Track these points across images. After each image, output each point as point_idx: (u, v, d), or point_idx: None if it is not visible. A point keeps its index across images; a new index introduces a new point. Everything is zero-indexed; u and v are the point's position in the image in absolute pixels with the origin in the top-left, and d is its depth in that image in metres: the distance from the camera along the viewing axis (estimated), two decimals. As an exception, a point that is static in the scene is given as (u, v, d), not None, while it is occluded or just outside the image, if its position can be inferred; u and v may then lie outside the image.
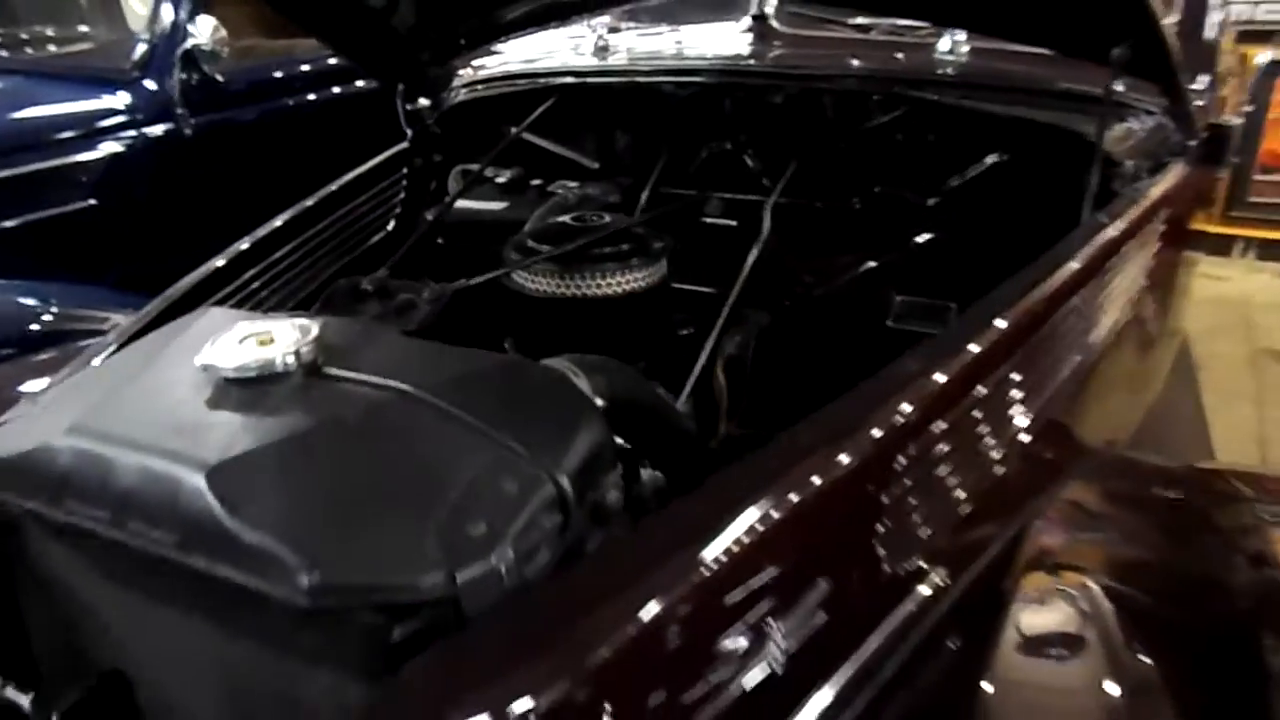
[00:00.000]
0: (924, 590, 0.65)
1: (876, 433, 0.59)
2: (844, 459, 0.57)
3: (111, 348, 0.82)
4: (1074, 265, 0.80)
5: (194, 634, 0.49)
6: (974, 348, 0.68)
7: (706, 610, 0.48)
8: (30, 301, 1.95)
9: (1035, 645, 0.68)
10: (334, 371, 0.55)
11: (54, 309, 1.94)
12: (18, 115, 2.20)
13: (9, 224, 2.09)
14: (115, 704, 0.50)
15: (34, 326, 1.89)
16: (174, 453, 0.48)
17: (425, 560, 0.45)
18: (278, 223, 1.18)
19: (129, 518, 0.47)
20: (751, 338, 1.10)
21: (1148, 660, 0.65)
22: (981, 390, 0.68)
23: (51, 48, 2.76)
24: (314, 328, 0.57)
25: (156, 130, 2.32)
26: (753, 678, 0.50)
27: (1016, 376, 0.73)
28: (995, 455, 0.72)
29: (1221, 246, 3.92)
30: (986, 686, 0.62)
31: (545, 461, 0.51)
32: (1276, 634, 0.69)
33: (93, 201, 2.24)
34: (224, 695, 0.49)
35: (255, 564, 0.44)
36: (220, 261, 1.07)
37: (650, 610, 0.45)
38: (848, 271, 1.15)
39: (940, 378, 0.64)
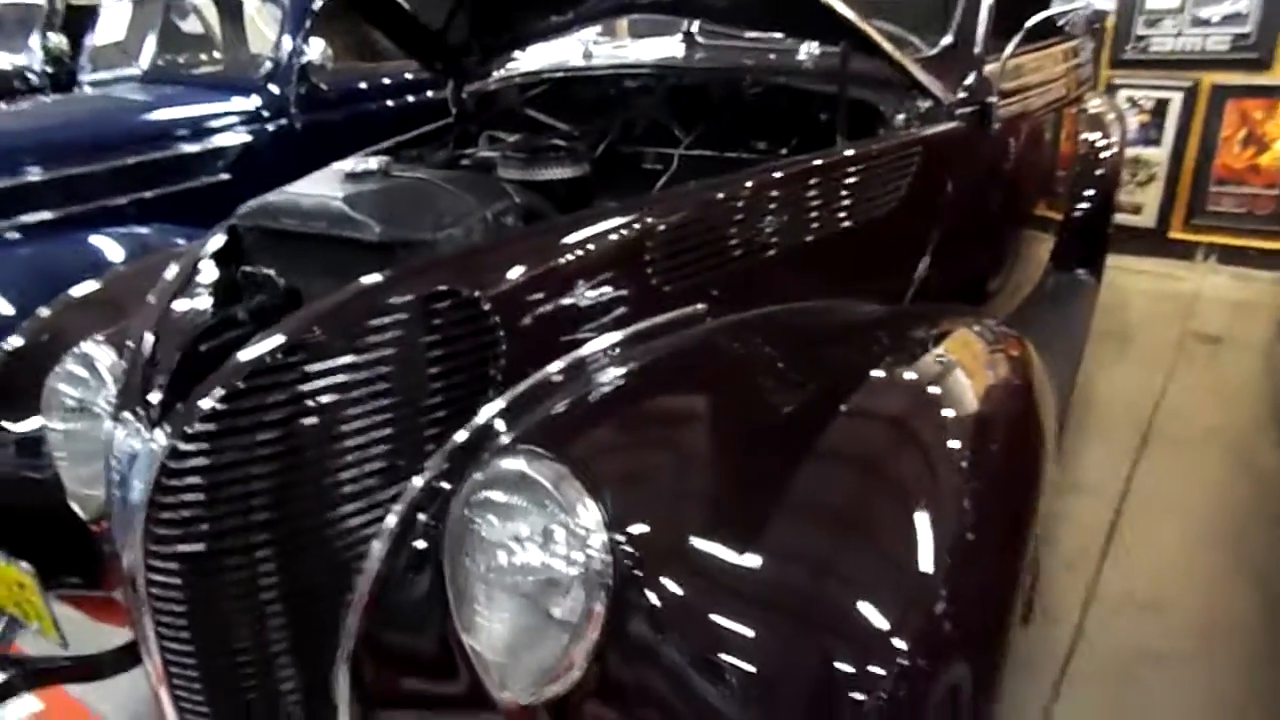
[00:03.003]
0: (685, 309, 1.25)
1: (659, 214, 1.21)
2: (639, 223, 1.19)
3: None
4: (801, 166, 1.41)
5: (334, 264, 1.12)
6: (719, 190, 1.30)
7: (542, 267, 1.10)
8: (180, 241, 2.69)
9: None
10: (394, 172, 1.20)
11: (194, 247, 2.66)
12: (179, 111, 2.97)
13: (171, 188, 2.85)
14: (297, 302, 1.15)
15: (176, 256, 2.63)
16: (328, 194, 1.13)
17: (426, 226, 1.09)
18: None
19: (308, 220, 1.13)
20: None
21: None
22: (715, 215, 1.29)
23: (198, 66, 3.58)
24: (386, 159, 1.22)
25: (275, 125, 3.08)
26: (566, 310, 1.12)
27: (744, 212, 1.33)
28: (738, 251, 1.32)
29: (1186, 252, 4.40)
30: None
31: (481, 204, 1.15)
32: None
33: (226, 176, 2.99)
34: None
35: (360, 227, 1.09)
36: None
37: (516, 260, 1.08)
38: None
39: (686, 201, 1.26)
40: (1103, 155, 3.19)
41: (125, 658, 1.38)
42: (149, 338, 1.08)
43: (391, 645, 1.01)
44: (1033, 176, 2.26)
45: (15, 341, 1.62)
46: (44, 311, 1.66)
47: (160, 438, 0.95)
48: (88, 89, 3.44)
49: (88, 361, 1.27)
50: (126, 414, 1.01)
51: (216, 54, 3.74)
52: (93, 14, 3.69)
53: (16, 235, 2.66)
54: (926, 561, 0.90)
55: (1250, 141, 4.09)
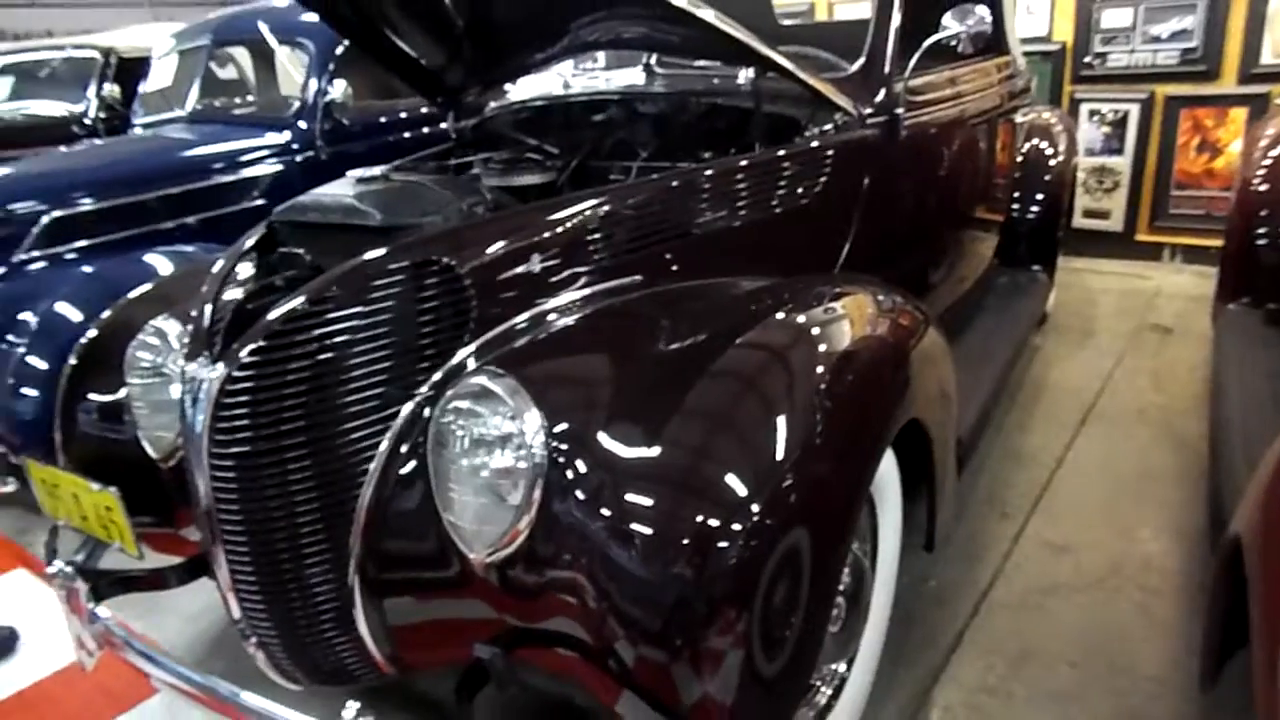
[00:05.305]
0: (624, 280, 1.58)
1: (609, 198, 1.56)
2: (587, 211, 1.53)
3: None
4: (718, 168, 1.74)
5: (347, 245, 1.45)
6: (653, 187, 1.63)
7: (507, 243, 1.44)
8: (224, 260, 3.06)
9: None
10: (395, 177, 1.55)
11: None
12: (220, 146, 3.38)
13: (213, 213, 3.25)
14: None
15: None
16: (342, 194, 1.49)
17: (415, 213, 1.44)
18: None
19: (327, 213, 1.48)
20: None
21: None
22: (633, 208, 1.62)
23: (236, 107, 4.02)
24: (387, 168, 1.58)
25: (304, 156, 3.48)
26: (526, 277, 1.45)
27: (672, 205, 1.67)
28: (669, 236, 1.65)
29: (1153, 253, 4.68)
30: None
31: (458, 197, 1.50)
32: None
33: (261, 201, 3.39)
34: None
35: (365, 216, 1.44)
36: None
37: (486, 238, 1.42)
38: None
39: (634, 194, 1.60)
40: (1050, 163, 3.50)
41: (188, 572, 1.72)
42: (209, 304, 1.43)
43: (388, 550, 1.32)
44: (956, 179, 2.57)
45: (91, 333, 1.99)
46: (108, 312, 2.03)
47: (220, 369, 1.29)
48: (139, 130, 3.87)
49: (160, 333, 1.63)
50: (196, 355, 1.35)
51: (251, 96, 4.17)
52: (143, 65, 4.14)
53: (74, 256, 3.05)
54: (780, 453, 1.21)
55: (1204, 148, 4.37)
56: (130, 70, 4.55)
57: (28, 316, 2.66)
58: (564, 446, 1.19)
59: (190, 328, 1.47)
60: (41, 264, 2.98)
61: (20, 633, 2.14)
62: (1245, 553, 1.02)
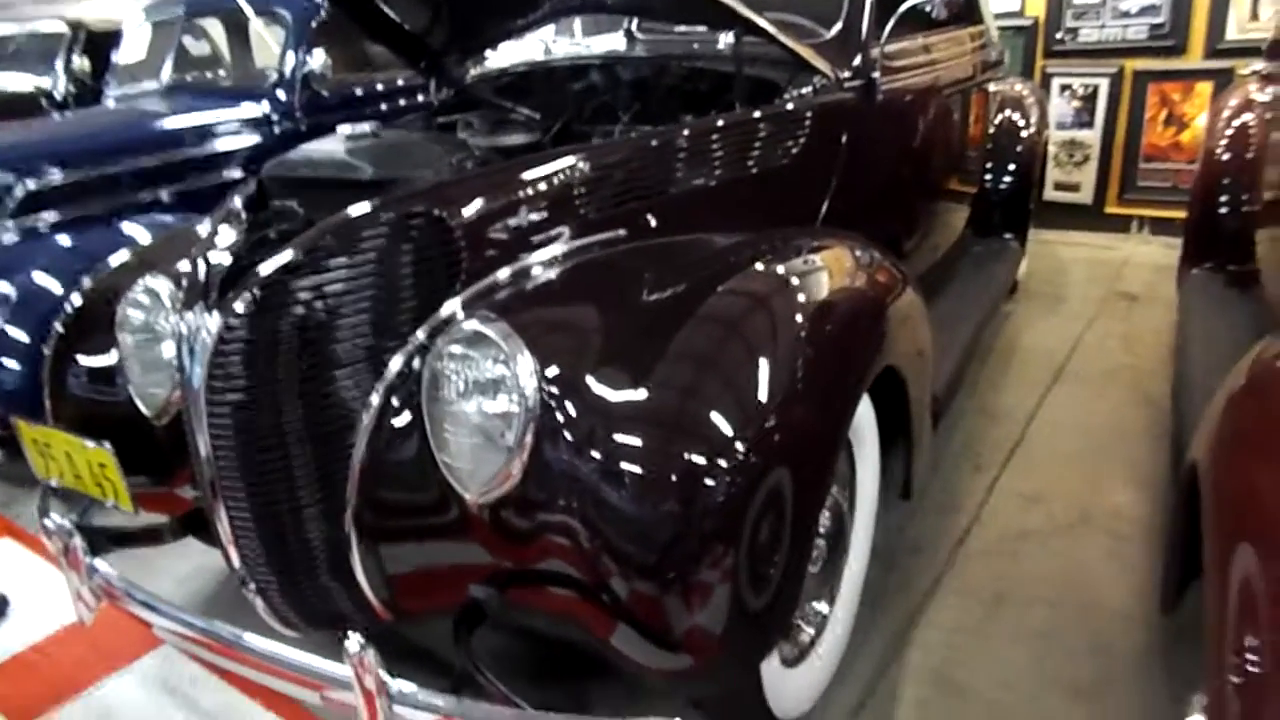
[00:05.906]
0: (607, 234, 1.61)
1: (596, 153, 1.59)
2: (571, 167, 1.56)
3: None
4: (697, 127, 1.78)
5: (338, 199, 1.47)
6: (634, 144, 1.66)
7: (496, 197, 1.47)
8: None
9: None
10: (385, 134, 1.57)
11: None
12: (197, 118, 3.36)
13: (192, 185, 3.23)
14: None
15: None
16: (332, 149, 1.51)
17: (405, 167, 1.47)
18: None
19: (318, 168, 1.50)
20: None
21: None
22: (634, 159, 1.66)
23: (213, 79, 3.98)
24: (376, 124, 1.60)
25: (282, 128, 3.47)
26: (513, 229, 1.48)
27: (652, 162, 1.70)
28: (649, 192, 1.69)
29: (1123, 225, 4.78)
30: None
31: (447, 152, 1.52)
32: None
33: (240, 174, 3.37)
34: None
35: (356, 170, 1.46)
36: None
37: (475, 192, 1.45)
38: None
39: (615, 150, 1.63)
40: (1022, 134, 3.57)
41: (182, 527, 1.74)
42: (203, 257, 1.45)
43: (384, 498, 1.34)
44: (931, 145, 2.62)
45: (77, 300, 1.99)
46: (88, 281, 2.02)
47: (216, 319, 1.31)
48: (112, 103, 3.83)
49: (151, 291, 1.64)
50: (193, 306, 1.37)
51: (227, 69, 4.14)
52: (114, 38, 4.09)
53: (49, 228, 3.01)
54: (763, 395, 1.25)
55: (1171, 121, 4.46)
56: (100, 44, 4.48)
57: (6, 288, 2.64)
58: (555, 390, 1.23)
59: (184, 283, 1.49)
60: (15, 236, 2.95)
61: (11, 599, 2.15)
62: (1200, 477, 1.09)
